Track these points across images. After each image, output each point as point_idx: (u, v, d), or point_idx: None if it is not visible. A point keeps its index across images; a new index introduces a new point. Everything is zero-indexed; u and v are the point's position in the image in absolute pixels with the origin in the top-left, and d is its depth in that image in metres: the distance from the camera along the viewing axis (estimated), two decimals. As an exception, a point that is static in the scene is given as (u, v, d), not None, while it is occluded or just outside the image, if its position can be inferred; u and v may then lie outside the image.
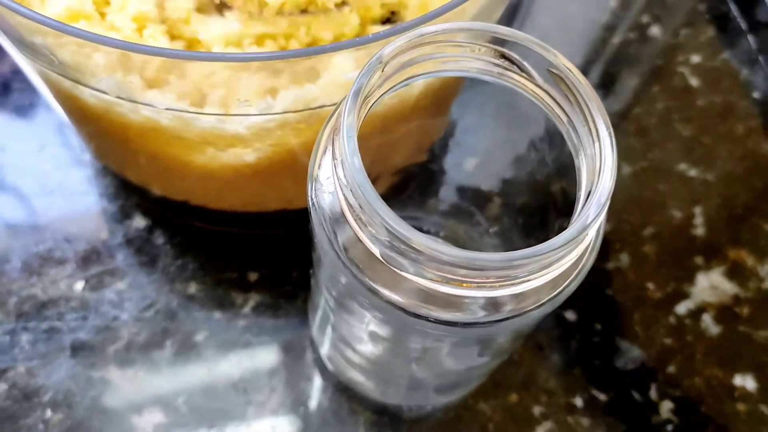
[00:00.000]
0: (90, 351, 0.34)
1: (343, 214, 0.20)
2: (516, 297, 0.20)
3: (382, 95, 0.22)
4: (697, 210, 0.40)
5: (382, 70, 0.21)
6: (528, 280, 0.19)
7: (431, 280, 0.19)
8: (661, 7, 0.48)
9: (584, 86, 0.20)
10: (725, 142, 0.43)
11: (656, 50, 0.47)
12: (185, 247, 0.37)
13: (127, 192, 0.38)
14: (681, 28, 0.48)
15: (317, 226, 0.22)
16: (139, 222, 0.37)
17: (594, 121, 0.20)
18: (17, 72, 0.41)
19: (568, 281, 0.21)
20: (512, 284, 0.19)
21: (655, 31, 0.47)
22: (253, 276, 0.36)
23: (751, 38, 0.47)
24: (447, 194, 0.35)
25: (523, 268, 0.18)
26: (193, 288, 0.36)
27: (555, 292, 0.21)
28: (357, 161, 0.18)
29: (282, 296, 0.36)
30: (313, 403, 0.34)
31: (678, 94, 0.45)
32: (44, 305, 0.35)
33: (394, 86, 0.22)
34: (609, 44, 0.47)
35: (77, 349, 0.34)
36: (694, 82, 0.45)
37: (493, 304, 0.20)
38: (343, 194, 0.19)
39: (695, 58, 0.46)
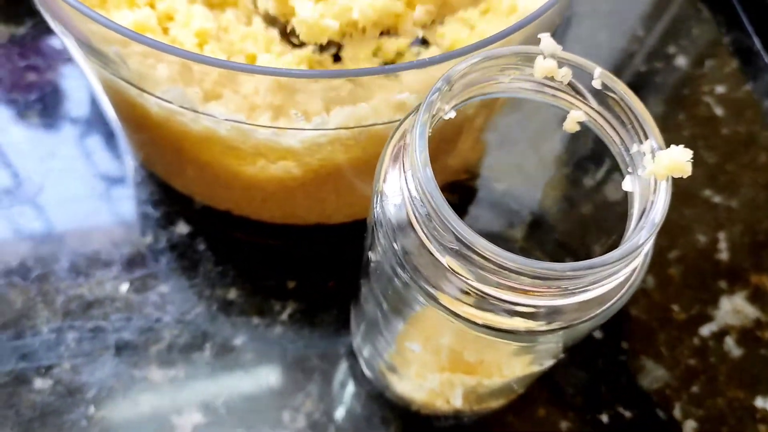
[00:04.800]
0: (133, 351, 0.35)
1: (410, 224, 0.21)
2: (570, 308, 0.21)
3: (445, 113, 0.23)
4: (721, 235, 0.41)
5: (449, 89, 0.22)
6: (584, 292, 0.20)
7: (495, 287, 0.20)
8: (687, 39, 0.50)
9: (639, 108, 0.22)
10: (748, 170, 0.44)
11: (681, 80, 0.48)
12: (226, 254, 0.38)
13: (172, 199, 0.39)
14: (706, 59, 0.49)
15: (382, 236, 0.23)
16: (183, 228, 0.38)
17: (650, 142, 0.21)
18: (68, 80, 0.43)
19: (618, 296, 0.22)
20: (569, 295, 0.20)
21: (680, 61, 0.49)
22: (291, 284, 0.37)
23: (774, 71, 0.48)
24: (483, 211, 0.37)
25: (581, 279, 0.19)
26: (233, 293, 0.37)
27: (605, 306, 0.22)
28: (429, 171, 0.20)
29: (319, 305, 0.37)
30: (347, 409, 0.35)
31: (703, 122, 0.46)
32: (90, 305, 0.36)
33: (456, 105, 0.23)
34: (636, 73, 0.48)
35: (121, 348, 0.35)
36: (718, 111, 0.46)
37: (548, 314, 0.21)
38: (412, 204, 0.21)
39: (719, 89, 0.47)
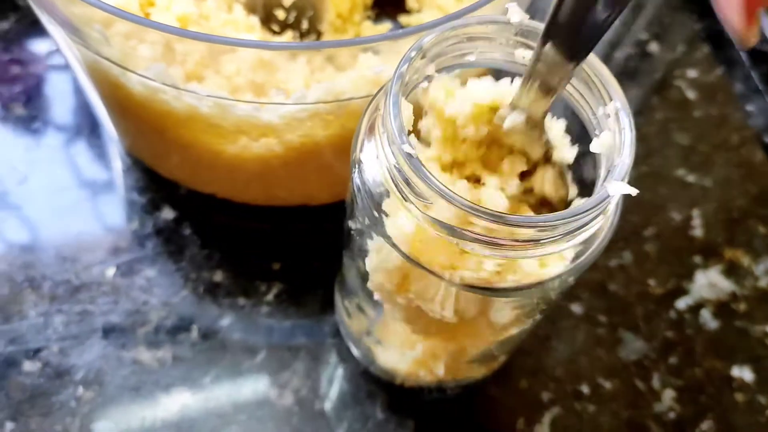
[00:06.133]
0: (120, 333, 0.35)
1: (387, 190, 0.22)
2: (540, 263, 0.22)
3: (418, 83, 0.24)
4: (695, 212, 0.43)
5: (422, 58, 0.23)
6: (556, 244, 0.21)
7: (471, 242, 0.21)
8: (660, 26, 0.51)
9: (604, 72, 0.22)
10: (721, 150, 0.45)
11: (655, 65, 0.49)
12: (211, 237, 0.38)
13: (157, 185, 0.39)
14: (678, 45, 0.50)
15: (361, 203, 0.23)
16: (168, 213, 0.39)
17: (614, 103, 0.22)
18: (51, 73, 0.43)
19: (588, 252, 0.23)
20: (543, 248, 0.21)
21: (654, 47, 0.50)
22: (276, 266, 0.38)
23: (744, 55, 0.49)
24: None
25: (553, 230, 0.20)
26: (218, 276, 0.37)
27: (578, 261, 0.23)
28: (404, 137, 0.20)
29: (304, 285, 0.38)
30: (333, 385, 0.35)
31: (676, 105, 0.47)
32: (77, 289, 0.36)
33: (429, 74, 0.24)
34: (611, 59, 0.49)
35: (108, 331, 0.35)
36: (690, 94, 0.48)
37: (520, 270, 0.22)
38: (388, 167, 0.21)
39: (692, 73, 0.49)
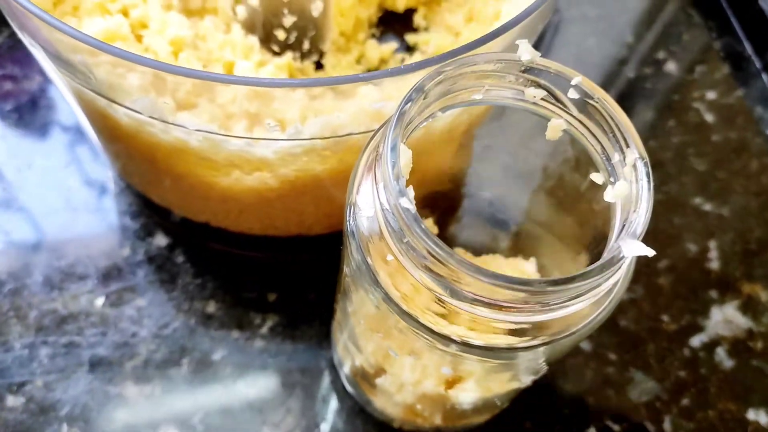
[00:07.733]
0: (108, 367, 0.34)
1: (382, 239, 0.20)
2: (551, 324, 0.20)
3: (420, 123, 0.22)
4: (712, 244, 0.41)
5: (423, 98, 0.21)
6: (564, 307, 0.19)
7: (471, 303, 0.19)
8: (677, 44, 0.49)
9: (622, 118, 0.21)
10: (739, 177, 0.43)
11: (671, 86, 0.47)
12: (205, 266, 0.37)
13: (150, 211, 0.38)
14: (696, 65, 0.48)
15: (354, 251, 0.22)
16: (161, 240, 0.37)
17: (632, 152, 0.20)
18: (44, 90, 0.42)
19: (599, 310, 0.21)
20: (549, 310, 0.19)
21: (670, 67, 0.48)
22: (271, 297, 0.36)
23: (765, 77, 0.48)
24: (468, 221, 0.36)
25: (560, 294, 0.19)
26: (211, 307, 0.36)
27: (586, 321, 0.21)
28: (402, 184, 0.19)
29: (300, 318, 0.36)
30: (328, 425, 0.34)
31: (693, 129, 0.45)
32: (64, 320, 0.35)
33: (432, 114, 0.22)
34: (625, 78, 0.47)
35: (95, 364, 0.34)
36: (709, 117, 0.46)
37: (527, 330, 0.20)
38: (384, 218, 0.20)
39: (710, 95, 0.47)
